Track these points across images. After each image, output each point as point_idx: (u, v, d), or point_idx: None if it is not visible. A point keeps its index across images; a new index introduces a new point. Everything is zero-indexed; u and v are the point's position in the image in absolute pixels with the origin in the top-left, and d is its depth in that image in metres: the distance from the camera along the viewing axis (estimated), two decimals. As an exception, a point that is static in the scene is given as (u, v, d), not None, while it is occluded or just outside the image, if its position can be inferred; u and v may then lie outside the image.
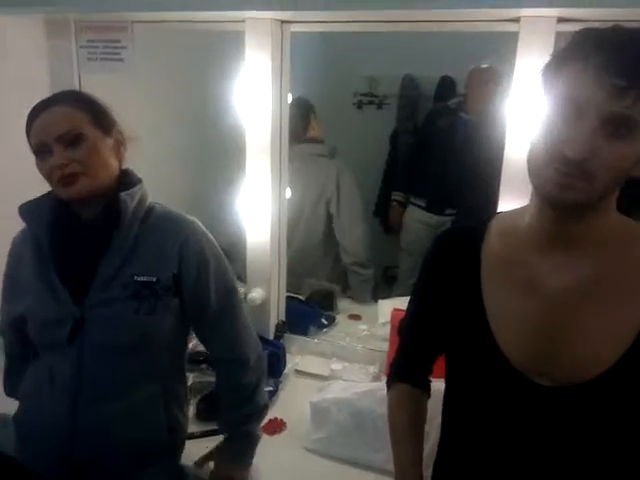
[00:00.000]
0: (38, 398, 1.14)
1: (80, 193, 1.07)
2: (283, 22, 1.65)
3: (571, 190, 0.74)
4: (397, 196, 3.04)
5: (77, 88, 1.79)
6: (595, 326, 0.81)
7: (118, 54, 1.71)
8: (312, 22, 1.65)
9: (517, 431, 0.87)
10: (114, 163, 1.12)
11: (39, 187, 1.14)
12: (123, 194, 1.10)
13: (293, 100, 2.38)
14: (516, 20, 1.40)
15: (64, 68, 1.80)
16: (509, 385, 0.86)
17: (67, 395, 1.09)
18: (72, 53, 1.78)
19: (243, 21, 1.61)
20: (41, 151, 1.06)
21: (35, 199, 1.17)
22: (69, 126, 1.06)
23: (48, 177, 1.08)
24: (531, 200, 0.87)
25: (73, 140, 1.06)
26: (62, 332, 1.08)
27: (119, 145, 1.14)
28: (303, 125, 2.34)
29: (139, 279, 1.10)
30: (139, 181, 1.17)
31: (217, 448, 1.29)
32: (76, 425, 1.08)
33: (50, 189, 1.13)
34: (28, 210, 1.15)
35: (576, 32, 0.75)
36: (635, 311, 0.80)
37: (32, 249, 1.14)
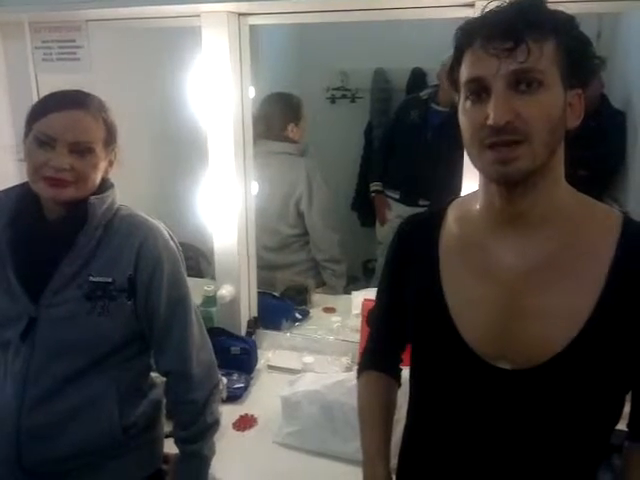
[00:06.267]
0: None
1: (62, 199, 1.07)
2: (240, 15, 1.63)
3: (514, 161, 0.76)
4: (375, 186, 3.02)
5: (35, 88, 1.77)
6: (548, 308, 0.81)
7: (74, 53, 1.69)
8: (269, 14, 1.64)
9: (478, 414, 0.87)
10: (99, 177, 1.12)
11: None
12: (93, 198, 1.10)
13: (274, 95, 2.33)
14: (471, 5, 1.40)
15: (20, 69, 1.78)
16: (469, 369, 0.86)
17: (15, 393, 1.07)
18: (27, 54, 1.76)
19: (199, 15, 1.59)
20: (44, 142, 1.04)
21: (1, 192, 1.14)
22: (86, 138, 1.06)
23: (36, 168, 1.05)
24: (479, 183, 0.88)
25: (82, 150, 1.06)
26: (16, 330, 1.07)
27: (110, 164, 1.15)
28: (282, 123, 2.27)
29: (94, 279, 1.09)
30: (111, 186, 1.16)
31: (171, 470, 1.25)
32: (22, 424, 1.07)
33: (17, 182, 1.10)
34: None
35: (458, 27, 0.81)
36: (587, 292, 0.80)
37: None
